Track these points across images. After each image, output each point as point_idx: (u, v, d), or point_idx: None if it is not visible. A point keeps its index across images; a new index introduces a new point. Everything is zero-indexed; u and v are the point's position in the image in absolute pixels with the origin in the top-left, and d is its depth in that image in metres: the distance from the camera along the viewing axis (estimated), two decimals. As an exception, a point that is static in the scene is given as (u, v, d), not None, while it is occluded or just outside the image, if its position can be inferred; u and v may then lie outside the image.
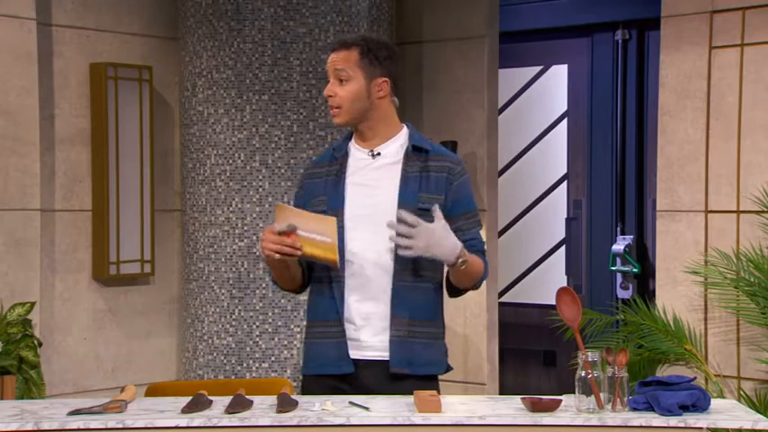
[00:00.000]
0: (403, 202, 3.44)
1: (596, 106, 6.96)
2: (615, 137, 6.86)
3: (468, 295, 3.70)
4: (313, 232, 3.35)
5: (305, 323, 3.70)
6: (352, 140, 3.58)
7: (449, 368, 3.56)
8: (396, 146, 3.53)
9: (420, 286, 3.46)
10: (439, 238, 3.33)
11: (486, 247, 3.59)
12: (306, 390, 3.53)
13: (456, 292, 3.57)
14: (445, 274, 3.55)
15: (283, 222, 3.35)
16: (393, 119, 3.55)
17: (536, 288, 6.93)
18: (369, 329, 3.45)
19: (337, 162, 3.54)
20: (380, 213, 3.43)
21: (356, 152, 3.54)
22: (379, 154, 3.52)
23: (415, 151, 3.52)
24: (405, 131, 3.56)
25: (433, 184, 3.49)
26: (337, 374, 3.45)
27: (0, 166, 5.10)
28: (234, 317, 5.40)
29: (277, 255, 3.36)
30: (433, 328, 3.51)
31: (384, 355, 3.44)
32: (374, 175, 3.51)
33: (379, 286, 3.44)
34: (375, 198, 3.48)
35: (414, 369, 3.44)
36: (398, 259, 3.42)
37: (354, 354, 3.45)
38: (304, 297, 5.35)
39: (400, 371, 3.42)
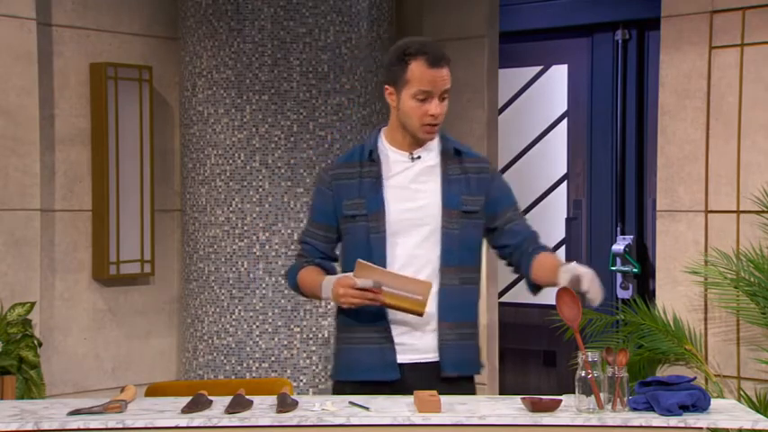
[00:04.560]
0: (447, 206, 3.42)
1: (596, 106, 6.95)
2: (615, 137, 6.85)
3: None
4: (401, 290, 3.31)
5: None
6: (384, 142, 3.51)
7: (482, 366, 3.58)
8: (432, 148, 3.48)
9: (464, 288, 3.45)
10: (588, 270, 3.24)
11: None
12: (339, 395, 3.48)
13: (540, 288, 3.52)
14: (530, 277, 3.47)
15: (366, 279, 3.30)
16: None
17: (536, 288, 6.93)
18: (415, 333, 3.42)
19: (373, 163, 3.47)
20: (425, 217, 3.42)
21: (393, 155, 3.48)
22: (419, 158, 3.47)
23: (453, 154, 3.49)
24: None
25: (474, 185, 3.46)
26: (380, 381, 3.41)
27: (0, 166, 5.10)
28: (234, 317, 5.40)
29: (355, 306, 3.35)
30: (474, 328, 3.52)
31: (429, 356, 3.42)
32: (414, 179, 3.46)
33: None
34: (418, 202, 3.44)
35: (462, 370, 3.45)
36: (444, 263, 3.41)
37: (400, 357, 3.42)
38: (303, 297, 5.38)
39: (451, 374, 3.41)
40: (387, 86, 3.45)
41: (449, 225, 3.42)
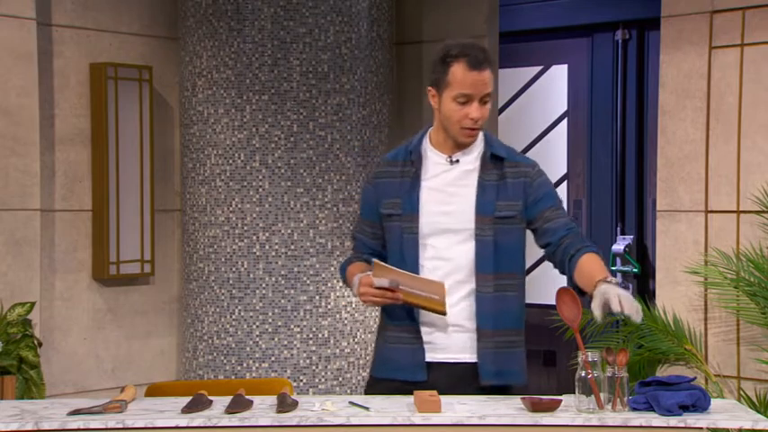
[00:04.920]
0: (480, 212, 3.39)
1: (596, 106, 6.95)
2: (615, 137, 6.85)
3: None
4: (417, 290, 3.32)
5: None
6: (428, 143, 3.49)
7: (521, 377, 3.49)
8: (473, 152, 3.46)
9: (499, 296, 3.41)
10: (612, 289, 3.12)
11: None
12: (371, 390, 3.51)
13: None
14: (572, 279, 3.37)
15: (383, 278, 3.31)
16: None
17: (536, 288, 6.92)
18: (443, 333, 3.41)
19: (412, 164, 3.47)
20: (458, 222, 3.40)
21: (433, 156, 3.47)
22: (457, 161, 3.45)
23: (491, 159, 3.44)
24: (481, 136, 3.48)
25: (510, 191, 3.42)
26: (409, 381, 3.40)
27: (0, 166, 5.10)
28: (234, 317, 5.40)
29: (376, 305, 3.38)
30: (514, 336, 3.45)
31: (459, 357, 3.40)
32: (451, 182, 3.44)
33: (455, 292, 3.38)
34: (451, 206, 3.42)
35: (498, 380, 3.39)
36: (478, 269, 3.38)
37: (428, 356, 3.41)
38: (304, 297, 5.38)
39: (488, 383, 3.38)
40: (429, 88, 3.44)
41: (481, 231, 3.39)
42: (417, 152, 3.48)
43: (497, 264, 3.40)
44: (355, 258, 3.61)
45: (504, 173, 3.43)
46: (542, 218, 3.43)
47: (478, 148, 3.47)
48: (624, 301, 3.06)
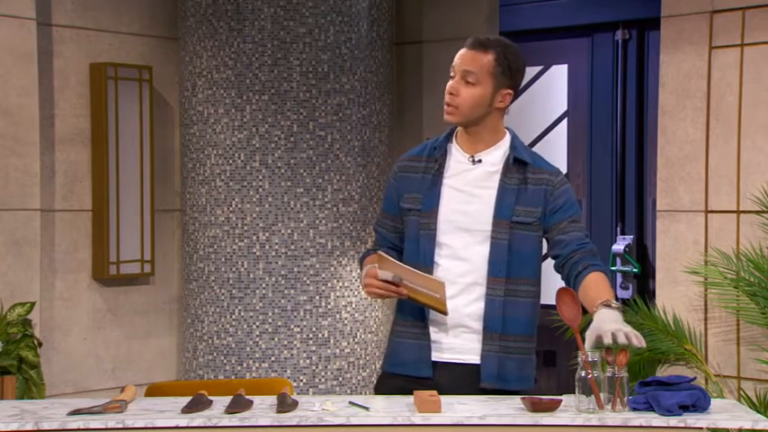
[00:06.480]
0: (497, 215, 3.37)
1: (596, 106, 6.95)
2: (615, 137, 6.85)
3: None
4: (420, 286, 3.31)
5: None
6: (453, 141, 3.48)
7: (535, 381, 3.48)
8: (497, 154, 3.44)
9: (510, 300, 3.38)
10: (610, 319, 3.07)
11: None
12: (379, 385, 3.51)
13: None
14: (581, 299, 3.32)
15: (387, 271, 3.31)
16: (500, 126, 3.49)
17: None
18: (450, 333, 3.40)
19: (435, 161, 3.46)
20: (474, 223, 3.38)
21: (456, 154, 3.46)
22: (480, 161, 3.43)
23: (515, 163, 3.43)
24: (507, 139, 3.48)
25: (530, 197, 3.39)
26: (414, 376, 3.39)
27: (0, 166, 5.10)
28: (234, 317, 5.40)
29: (380, 298, 3.38)
30: (521, 343, 3.42)
31: (465, 358, 3.39)
32: (472, 182, 3.42)
33: (467, 293, 3.38)
34: (470, 206, 3.40)
35: (504, 384, 3.37)
36: (490, 273, 3.36)
37: (434, 355, 3.40)
38: (304, 297, 5.38)
39: (490, 386, 3.35)
40: None
41: (497, 235, 3.37)
42: (442, 149, 3.47)
43: (510, 268, 3.38)
44: (373, 250, 3.58)
45: (526, 178, 3.42)
46: (557, 228, 3.40)
47: (503, 149, 3.45)
48: (618, 335, 3.00)
